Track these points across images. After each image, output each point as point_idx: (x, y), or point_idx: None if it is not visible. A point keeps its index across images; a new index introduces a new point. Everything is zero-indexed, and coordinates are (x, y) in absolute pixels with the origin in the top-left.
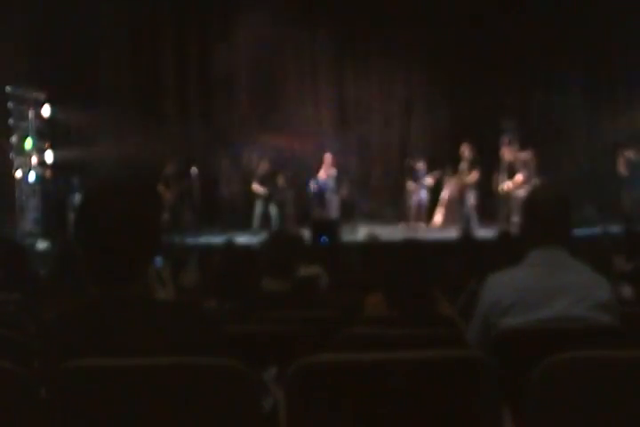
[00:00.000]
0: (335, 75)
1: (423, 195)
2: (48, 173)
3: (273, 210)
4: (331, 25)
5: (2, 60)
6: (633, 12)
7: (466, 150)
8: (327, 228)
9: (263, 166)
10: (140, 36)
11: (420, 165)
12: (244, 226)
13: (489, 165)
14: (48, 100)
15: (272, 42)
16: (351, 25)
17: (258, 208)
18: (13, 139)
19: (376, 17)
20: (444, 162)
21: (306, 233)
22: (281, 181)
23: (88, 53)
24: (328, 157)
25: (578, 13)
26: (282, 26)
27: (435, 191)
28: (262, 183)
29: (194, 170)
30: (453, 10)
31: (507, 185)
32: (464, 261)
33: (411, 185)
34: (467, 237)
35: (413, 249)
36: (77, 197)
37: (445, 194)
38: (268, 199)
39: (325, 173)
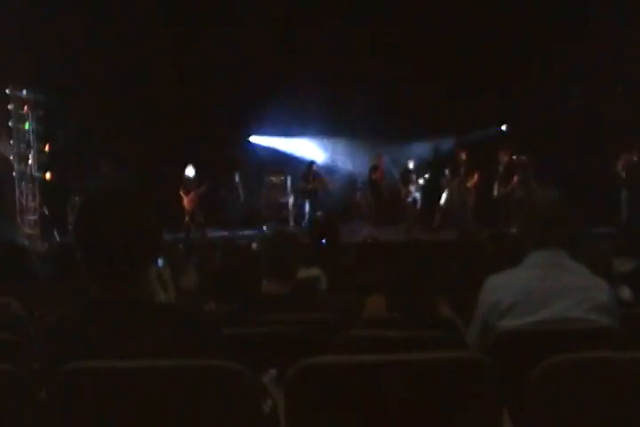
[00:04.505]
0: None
1: (416, 195)
2: (48, 175)
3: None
4: (324, 27)
5: (2, 61)
6: (632, 18)
7: (462, 155)
8: (327, 229)
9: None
10: (141, 37)
11: (411, 166)
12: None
13: (487, 168)
14: (48, 102)
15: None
16: (350, 26)
17: None
18: (13, 140)
19: (373, 19)
20: (444, 166)
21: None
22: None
23: (88, 55)
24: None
25: (578, 17)
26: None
27: (434, 194)
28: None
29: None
30: (453, 16)
31: (504, 188)
32: (463, 263)
33: (403, 186)
34: (466, 238)
35: (413, 251)
36: (77, 199)
37: (445, 197)
38: None
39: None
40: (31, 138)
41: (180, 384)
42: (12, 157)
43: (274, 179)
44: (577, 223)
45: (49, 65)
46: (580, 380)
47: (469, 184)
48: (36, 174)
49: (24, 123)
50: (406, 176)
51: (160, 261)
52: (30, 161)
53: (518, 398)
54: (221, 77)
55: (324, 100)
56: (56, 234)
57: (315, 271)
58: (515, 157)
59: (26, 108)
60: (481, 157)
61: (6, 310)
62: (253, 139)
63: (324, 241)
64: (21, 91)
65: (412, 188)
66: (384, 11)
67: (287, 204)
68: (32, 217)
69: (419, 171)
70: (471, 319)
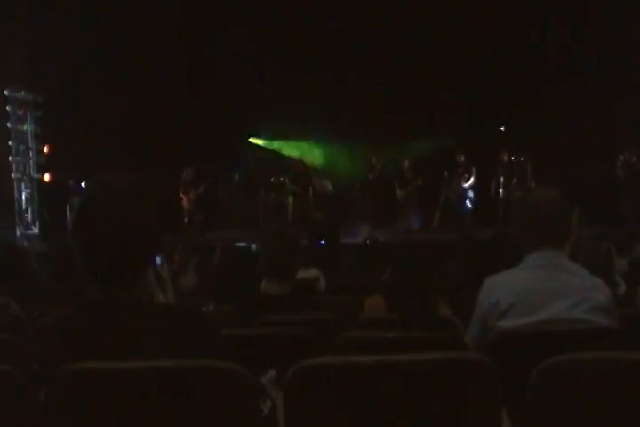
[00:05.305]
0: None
1: (412, 195)
2: (47, 177)
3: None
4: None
5: (1, 62)
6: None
7: (461, 156)
8: (327, 230)
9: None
10: (141, 37)
11: (406, 165)
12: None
13: (486, 168)
14: (46, 103)
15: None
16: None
17: None
18: (11, 142)
19: (387, 33)
20: (442, 166)
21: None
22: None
23: (87, 56)
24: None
25: (577, 24)
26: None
27: (432, 194)
28: None
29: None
30: (455, 22)
31: (503, 188)
32: (462, 263)
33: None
34: (465, 238)
35: (413, 251)
36: (76, 200)
37: (443, 196)
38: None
39: None
40: (30, 139)
41: (179, 384)
42: (10, 159)
43: (273, 180)
44: (577, 223)
45: (48, 66)
46: (579, 380)
47: (468, 184)
48: (35, 176)
49: (22, 124)
50: (404, 176)
51: (159, 262)
52: (29, 162)
53: (518, 398)
54: (223, 77)
55: (322, 99)
56: (55, 235)
57: (314, 272)
58: (514, 157)
59: (24, 109)
60: (480, 158)
61: (5, 311)
62: (253, 140)
63: (322, 242)
64: (20, 92)
65: (411, 188)
66: (385, 16)
67: (286, 204)
68: (31, 218)
69: (417, 171)
70: (471, 319)
